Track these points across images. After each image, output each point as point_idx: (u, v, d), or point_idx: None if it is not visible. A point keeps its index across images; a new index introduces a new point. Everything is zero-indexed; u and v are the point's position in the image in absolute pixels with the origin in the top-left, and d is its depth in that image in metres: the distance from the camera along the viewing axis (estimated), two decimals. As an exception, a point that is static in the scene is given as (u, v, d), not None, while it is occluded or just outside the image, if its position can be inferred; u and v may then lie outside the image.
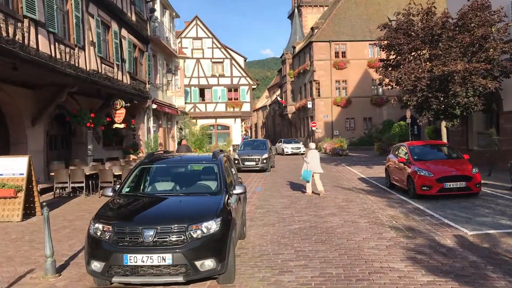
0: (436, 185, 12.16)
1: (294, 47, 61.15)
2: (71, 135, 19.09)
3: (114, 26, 18.88)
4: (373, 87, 50.51)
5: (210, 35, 44.72)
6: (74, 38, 14.80)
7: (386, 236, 8.46)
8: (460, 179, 12.17)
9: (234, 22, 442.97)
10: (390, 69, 19.40)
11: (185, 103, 40.88)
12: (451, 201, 12.00)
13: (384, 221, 9.78)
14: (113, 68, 18.59)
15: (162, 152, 8.05)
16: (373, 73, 50.14)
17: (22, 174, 10.97)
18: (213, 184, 6.82)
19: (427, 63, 17.78)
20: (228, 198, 6.43)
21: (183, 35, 43.80)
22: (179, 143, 26.11)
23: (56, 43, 13.44)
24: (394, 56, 19.31)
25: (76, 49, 14.99)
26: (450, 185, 12.14)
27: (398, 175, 14.15)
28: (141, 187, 7.07)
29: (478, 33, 16.68)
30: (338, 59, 49.94)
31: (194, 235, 5.40)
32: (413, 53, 18.69)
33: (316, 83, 50.17)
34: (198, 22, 44.43)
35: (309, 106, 51.00)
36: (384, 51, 19.62)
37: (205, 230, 5.48)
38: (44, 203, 6.66)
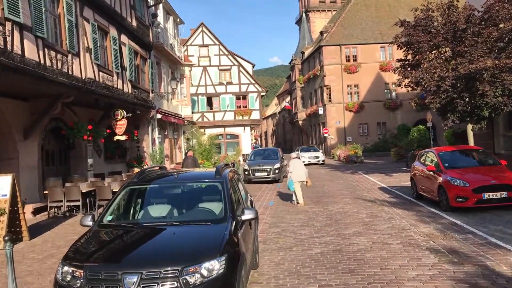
0: (473, 196, 10.70)
1: (303, 53, 59.87)
2: (69, 149, 17.89)
3: (113, 32, 17.72)
4: (386, 90, 49.04)
5: (217, 42, 43.59)
6: (67, 44, 13.63)
7: (426, 262, 7.05)
8: (500, 188, 10.71)
9: (240, 31, 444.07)
10: (409, 69, 17.97)
11: (192, 112, 39.68)
12: (491, 214, 10.54)
13: (420, 242, 8.36)
14: (113, 76, 17.40)
15: (157, 168, 6.72)
16: (385, 76, 48.98)
17: (5, 195, 9.73)
18: (217, 208, 5.49)
19: (452, 61, 16.32)
20: (236, 226, 5.10)
21: (189, 43, 42.72)
22: (186, 155, 24.85)
23: (46, 49, 12.26)
24: (412, 56, 17.90)
25: (70, 55, 13.81)
26: (489, 196, 10.68)
27: (426, 185, 12.70)
28: (128, 215, 5.76)
29: (508, 27, 15.23)
30: (349, 63, 48.53)
31: (192, 281, 4.08)
32: (433, 52, 17.26)
33: (327, 88, 48.79)
34: (204, 29, 43.34)
35: (320, 112, 49.61)
36: (402, 50, 18.22)
37: (205, 273, 4.16)
38: (7, 237, 5.35)
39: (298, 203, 13.77)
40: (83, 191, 13.74)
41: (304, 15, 75.47)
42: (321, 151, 38.54)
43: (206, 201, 5.83)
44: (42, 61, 11.95)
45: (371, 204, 13.37)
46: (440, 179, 11.53)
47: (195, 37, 43.32)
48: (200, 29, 43.42)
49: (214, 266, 4.21)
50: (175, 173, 6.34)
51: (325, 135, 46.39)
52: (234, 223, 5.08)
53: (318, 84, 51.69)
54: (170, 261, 4.20)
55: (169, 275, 4.05)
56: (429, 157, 13.05)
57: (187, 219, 5.49)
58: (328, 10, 77.97)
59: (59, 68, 12.94)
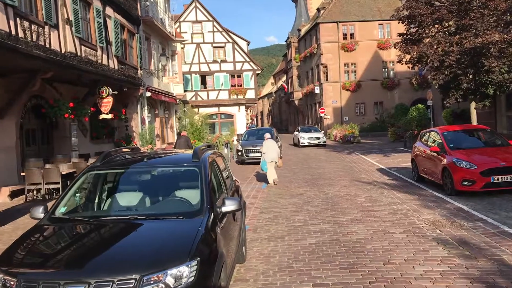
0: (480, 179, 9.91)
1: (299, 30, 58.51)
2: (52, 128, 16.97)
3: (97, 4, 16.61)
4: (383, 69, 48.05)
5: (211, 18, 42.25)
6: (43, 14, 12.58)
7: (434, 255, 6.27)
8: (510, 171, 9.91)
9: (235, 9, 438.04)
10: (410, 44, 16.99)
11: (186, 91, 38.65)
12: (500, 199, 9.76)
13: (425, 230, 7.57)
14: (96, 51, 16.37)
15: (126, 150, 5.82)
16: (383, 54, 47.88)
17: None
18: (194, 198, 4.63)
19: (455, 36, 15.34)
20: (214, 220, 4.26)
21: (181, 19, 41.37)
22: (178, 134, 23.95)
23: (18, 19, 11.23)
24: (415, 30, 16.91)
25: (47, 27, 12.78)
26: (497, 179, 9.88)
27: (429, 167, 11.89)
28: (87, 206, 4.90)
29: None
30: (346, 40, 47.34)
31: None
32: (436, 26, 16.26)
33: (323, 67, 47.67)
34: (197, 5, 41.93)
35: (317, 91, 48.57)
36: (404, 24, 17.21)
37: (171, 283, 3.34)
38: None
39: (274, 183, 13.89)
40: (63, 172, 12.90)
41: (300, -9, 73.66)
42: (322, 131, 35.16)
43: (181, 188, 4.97)
44: (13, 32, 10.94)
45: (369, 187, 12.59)
46: (445, 160, 10.71)
47: (188, 13, 41.96)
48: (193, 4, 42.03)
49: (183, 273, 3.38)
50: (147, 156, 5.44)
51: (322, 114, 45.44)
52: (212, 216, 4.24)
53: (314, 62, 50.55)
54: (127, 267, 3.35)
55: (125, 286, 3.22)
56: (432, 137, 12.21)
57: (155, 212, 4.61)
58: (325, -13, 76.27)
59: (34, 40, 11.93)
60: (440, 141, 11.43)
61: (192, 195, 4.75)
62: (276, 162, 14.27)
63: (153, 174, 5.18)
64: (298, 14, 69.02)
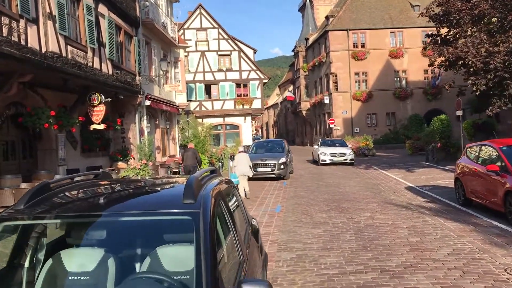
0: (559, 208, 7.77)
1: (307, 39, 56.72)
2: (36, 140, 14.94)
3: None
4: (395, 79, 46.08)
5: (216, 25, 40.42)
6: (17, 5, 10.62)
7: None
8: None
9: (240, 22, 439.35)
10: (443, 45, 14.91)
11: (190, 100, 36.74)
12: None
13: (513, 285, 5.44)
14: (86, 52, 14.41)
15: (86, 179, 3.72)
16: (395, 63, 45.88)
17: None
18: (184, 266, 2.56)
19: (501, 34, 13.24)
20: None
21: (185, 26, 39.57)
22: (185, 147, 21.93)
23: (-17, 9, 9.30)
24: (447, 30, 14.85)
25: (23, 21, 10.80)
26: None
27: (482, 189, 9.74)
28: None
29: None
30: (356, 49, 45.46)
31: None
32: (476, 24, 14.17)
33: (333, 76, 45.72)
34: (202, 11, 40.16)
35: (326, 101, 46.58)
36: (435, 23, 15.14)
37: None
38: None
39: (246, 197, 13.78)
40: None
41: (308, 0, 72.03)
42: (350, 145, 27.87)
43: (162, 256, 2.85)
44: (-24, 24, 8.98)
45: (406, 212, 10.44)
46: (508, 183, 8.57)
47: (193, 20, 40.20)
48: (198, 11, 40.29)
49: None
50: (111, 191, 3.37)
51: (331, 125, 43.35)
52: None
53: (323, 71, 48.61)
54: None
55: None
56: (485, 152, 10.08)
57: None
58: (332, -4, 74.64)
59: (4, 35, 9.96)
60: (499, 158, 9.28)
61: (180, 263, 2.67)
62: (248, 176, 14.37)
63: (111, 230, 3.06)
64: (305, 24, 67.30)
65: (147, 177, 14.71)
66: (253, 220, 4.58)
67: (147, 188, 3.63)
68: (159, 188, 3.67)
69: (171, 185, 3.82)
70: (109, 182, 3.72)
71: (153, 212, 2.83)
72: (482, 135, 30.89)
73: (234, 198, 3.97)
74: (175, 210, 2.78)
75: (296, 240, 8.24)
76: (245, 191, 13.99)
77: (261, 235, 8.65)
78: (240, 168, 14.15)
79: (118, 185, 3.68)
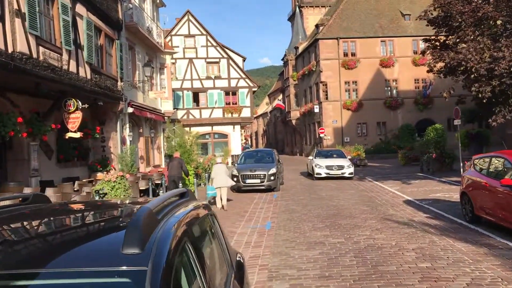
0: None
1: (296, 48, 56.06)
2: (5, 149, 13.78)
3: (64, -2, 13.66)
4: (386, 88, 45.49)
5: (204, 32, 39.46)
6: (-21, -1, 9.58)
7: None
8: None
9: (228, 31, 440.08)
10: (442, 49, 14.08)
11: (177, 108, 35.71)
12: None
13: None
14: (61, 54, 13.33)
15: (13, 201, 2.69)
16: (386, 72, 45.28)
17: None
18: None
19: (506, 38, 12.43)
20: None
21: (173, 33, 38.55)
22: (170, 156, 20.80)
23: None
24: (447, 33, 14.02)
25: (-15, 17, 9.77)
26: None
27: (495, 206, 8.81)
28: None
29: None
30: (347, 58, 44.85)
31: None
32: (478, 27, 13.35)
33: (323, 85, 44.99)
34: (191, 18, 39.19)
35: (316, 110, 45.75)
36: (433, 27, 14.33)
37: None
38: None
39: (224, 209, 13.67)
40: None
41: (297, 9, 71.58)
42: (349, 157, 25.23)
43: None
44: None
45: (409, 230, 9.47)
46: (526, 199, 7.66)
47: (180, 27, 39.20)
48: (186, 17, 39.31)
49: None
50: (26, 232, 2.28)
51: (321, 135, 42.51)
52: None
53: (313, 80, 47.89)
54: None
55: None
56: (497, 165, 9.18)
57: None
58: (322, 6, 74.21)
59: (-39, 31, 8.89)
60: (513, 171, 8.38)
61: None
62: (226, 187, 14.13)
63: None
64: (294, 33, 66.82)
65: (97, 198, 13.29)
66: (238, 256, 3.53)
67: (80, 224, 2.55)
68: (98, 225, 2.56)
69: (121, 218, 2.67)
70: (33, 213, 2.65)
71: (74, 272, 1.75)
72: (476, 145, 30.34)
73: (211, 232, 2.93)
74: (106, 269, 1.73)
75: (289, 265, 7.20)
76: (222, 203, 13.78)
77: (249, 258, 7.63)
78: (218, 179, 13.92)
79: (43, 219, 2.57)
